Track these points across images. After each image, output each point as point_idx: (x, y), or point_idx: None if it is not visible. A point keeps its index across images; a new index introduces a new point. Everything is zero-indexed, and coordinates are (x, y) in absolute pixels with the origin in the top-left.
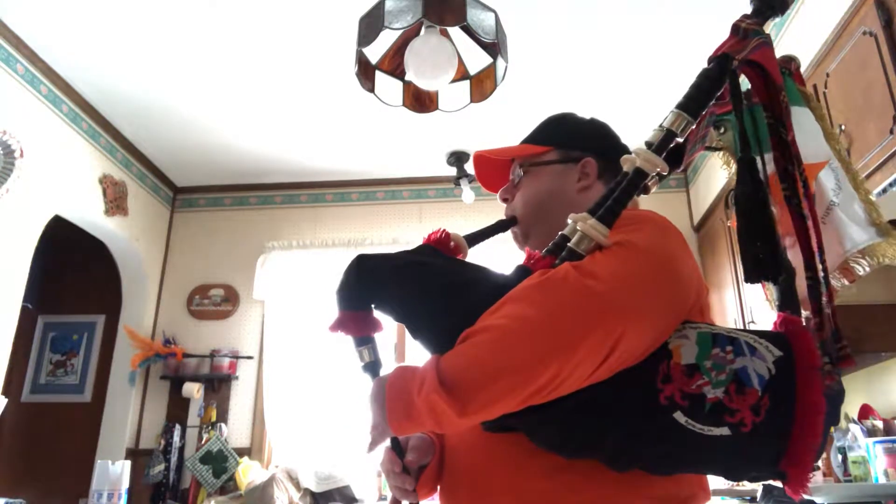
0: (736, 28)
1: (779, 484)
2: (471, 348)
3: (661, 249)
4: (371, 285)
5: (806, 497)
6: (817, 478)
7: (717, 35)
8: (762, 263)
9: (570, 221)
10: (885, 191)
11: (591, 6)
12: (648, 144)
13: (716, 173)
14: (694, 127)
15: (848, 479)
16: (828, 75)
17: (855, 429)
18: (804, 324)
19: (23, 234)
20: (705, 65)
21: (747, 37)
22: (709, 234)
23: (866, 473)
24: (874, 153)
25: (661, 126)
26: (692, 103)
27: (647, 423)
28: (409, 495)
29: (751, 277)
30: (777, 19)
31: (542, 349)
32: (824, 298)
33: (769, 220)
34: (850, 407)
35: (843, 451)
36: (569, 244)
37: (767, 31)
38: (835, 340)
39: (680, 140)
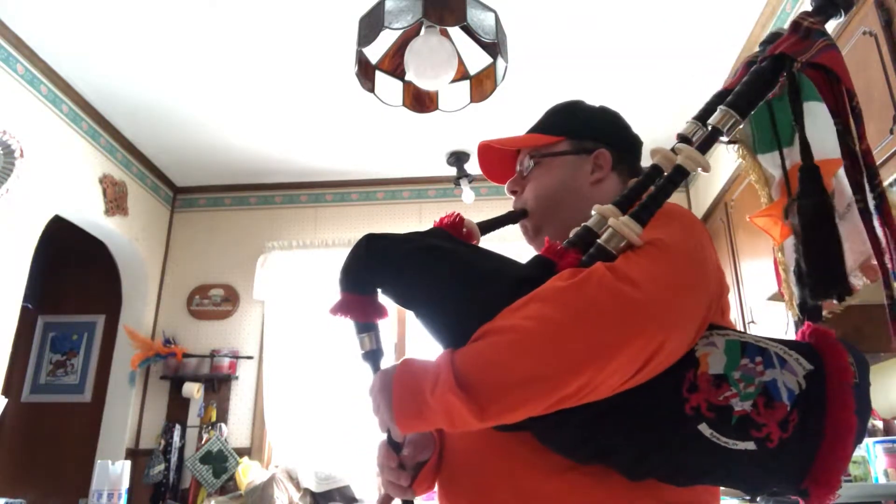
0: (796, 26)
1: None
2: (492, 349)
3: (693, 249)
4: (381, 268)
5: None
6: None
7: (718, 35)
8: (832, 280)
9: (594, 213)
10: None
11: (591, 6)
12: (682, 138)
13: (716, 173)
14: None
15: (848, 479)
16: None
17: None
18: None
19: (23, 234)
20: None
21: (809, 36)
22: None
23: (866, 473)
24: (874, 153)
25: (694, 119)
26: (742, 101)
27: (670, 433)
28: (404, 492)
29: (819, 294)
30: (841, 18)
31: (574, 357)
32: None
33: (837, 234)
34: None
35: None
36: (599, 241)
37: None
38: None
39: (725, 140)
